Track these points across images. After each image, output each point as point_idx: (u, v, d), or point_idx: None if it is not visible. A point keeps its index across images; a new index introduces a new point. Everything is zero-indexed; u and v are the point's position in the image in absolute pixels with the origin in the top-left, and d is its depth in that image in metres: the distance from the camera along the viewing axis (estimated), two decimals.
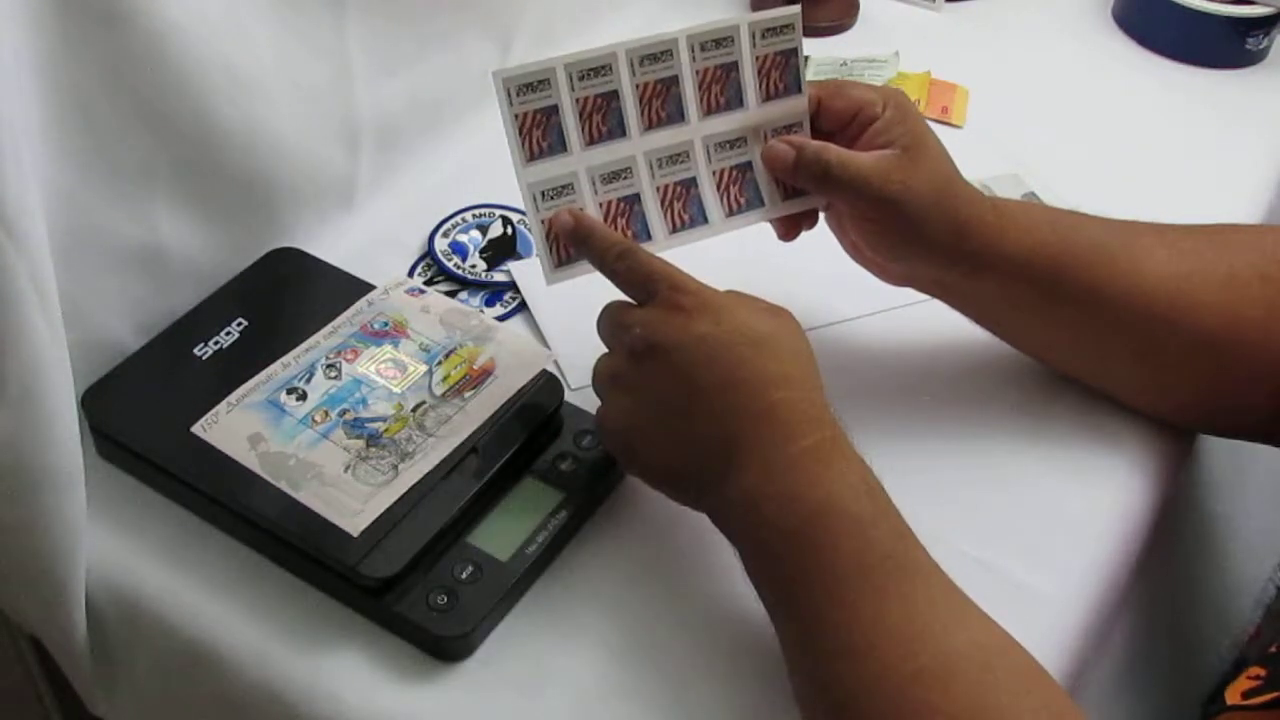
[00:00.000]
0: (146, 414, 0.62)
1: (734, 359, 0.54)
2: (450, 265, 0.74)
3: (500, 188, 0.80)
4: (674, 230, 0.63)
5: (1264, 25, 0.94)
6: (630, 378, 0.56)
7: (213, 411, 0.60)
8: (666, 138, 0.62)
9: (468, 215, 0.78)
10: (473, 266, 0.75)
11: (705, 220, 0.64)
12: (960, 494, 0.63)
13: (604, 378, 0.58)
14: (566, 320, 0.71)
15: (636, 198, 0.62)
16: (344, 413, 0.60)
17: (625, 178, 0.62)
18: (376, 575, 0.55)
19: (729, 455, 0.53)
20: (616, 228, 0.62)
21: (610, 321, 0.58)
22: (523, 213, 0.78)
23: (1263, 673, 0.53)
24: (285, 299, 0.68)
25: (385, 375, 0.62)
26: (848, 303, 0.73)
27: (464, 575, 0.57)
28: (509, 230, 0.77)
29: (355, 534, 0.56)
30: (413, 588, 0.56)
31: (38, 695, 0.75)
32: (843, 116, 0.63)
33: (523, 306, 0.73)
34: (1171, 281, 0.62)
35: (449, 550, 0.57)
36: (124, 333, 0.65)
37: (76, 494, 0.56)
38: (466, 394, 0.61)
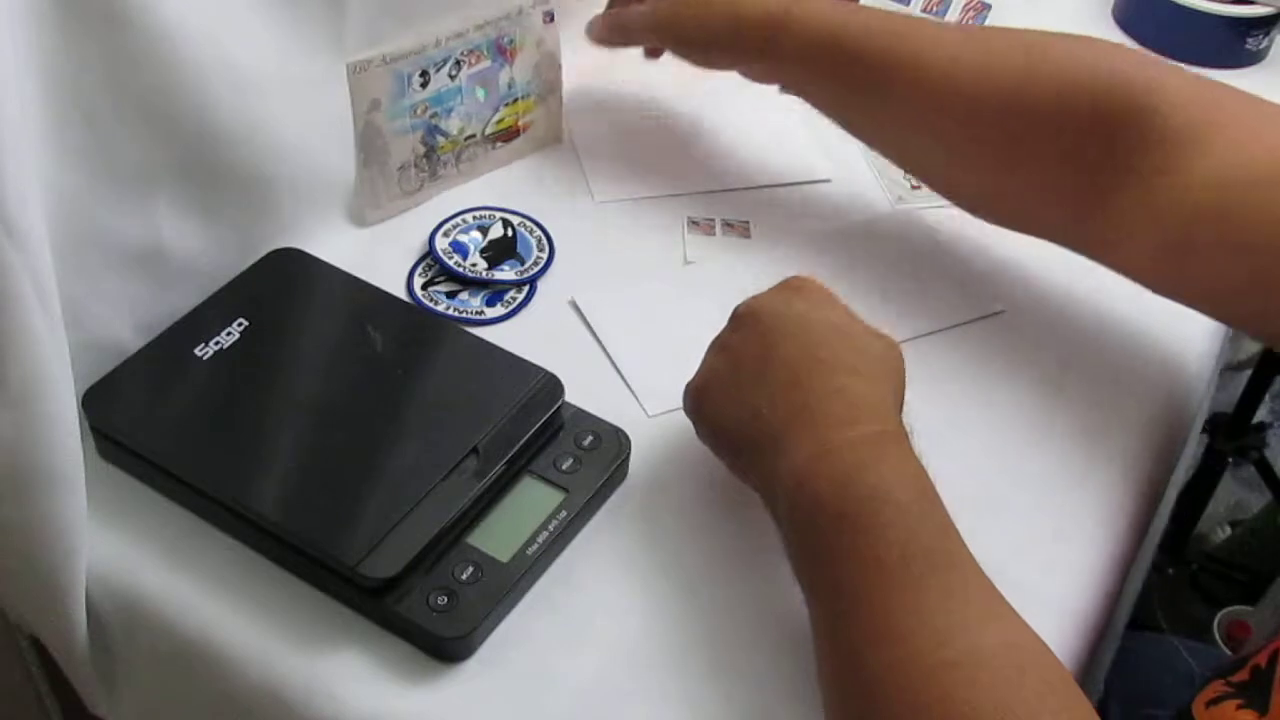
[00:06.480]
0: (146, 414, 0.62)
1: (818, 339, 0.57)
2: (452, 264, 0.74)
3: (500, 189, 0.80)
4: None
5: (1264, 25, 0.94)
6: (725, 341, 0.60)
7: (374, 53, 0.63)
8: None
9: (468, 216, 0.78)
10: (473, 265, 0.75)
11: None
12: (960, 494, 0.63)
13: (708, 349, 0.61)
14: (638, 349, 0.70)
15: None
16: (433, 115, 0.64)
17: None
18: (376, 575, 0.55)
19: (789, 427, 0.54)
20: None
21: None
22: (523, 215, 0.78)
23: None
24: (286, 299, 0.68)
25: (478, 93, 0.65)
26: None
27: (464, 575, 0.57)
28: (509, 231, 0.77)
29: (356, 534, 0.56)
30: (413, 588, 0.56)
31: (38, 695, 0.75)
32: None
33: (522, 307, 0.73)
34: (967, 62, 0.64)
35: (449, 551, 0.57)
36: (124, 333, 0.65)
37: (76, 494, 0.56)
38: (498, 145, 0.62)
